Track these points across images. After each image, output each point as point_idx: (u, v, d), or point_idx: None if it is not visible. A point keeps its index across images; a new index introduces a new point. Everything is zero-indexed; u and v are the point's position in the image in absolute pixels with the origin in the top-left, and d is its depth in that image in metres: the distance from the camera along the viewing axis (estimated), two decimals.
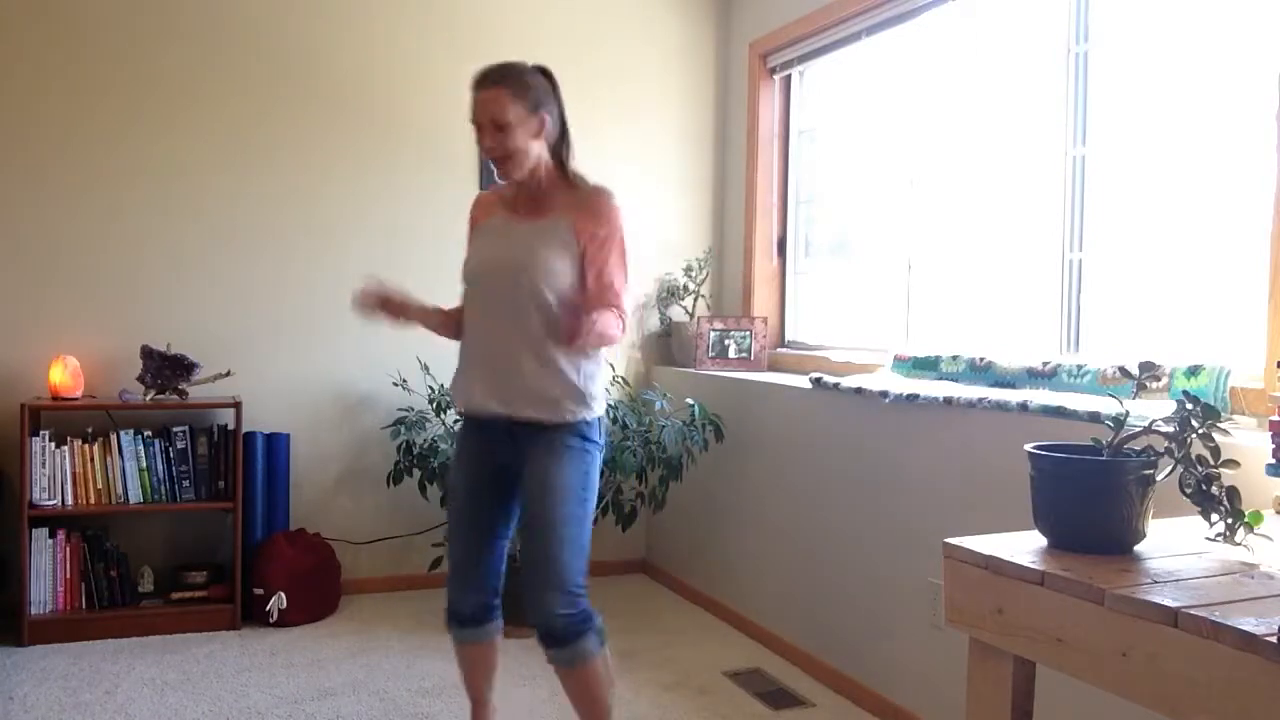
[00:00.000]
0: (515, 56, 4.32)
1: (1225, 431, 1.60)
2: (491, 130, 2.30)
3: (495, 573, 2.54)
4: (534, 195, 2.41)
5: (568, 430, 2.36)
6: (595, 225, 2.34)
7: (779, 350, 4.25)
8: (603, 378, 2.47)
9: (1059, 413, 2.39)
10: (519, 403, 2.34)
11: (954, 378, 3.02)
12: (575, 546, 2.34)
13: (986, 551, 1.60)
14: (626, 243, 2.38)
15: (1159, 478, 1.59)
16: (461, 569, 2.51)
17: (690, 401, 3.81)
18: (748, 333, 4.19)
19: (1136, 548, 1.60)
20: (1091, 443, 1.69)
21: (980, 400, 2.66)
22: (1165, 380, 2.38)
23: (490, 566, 2.53)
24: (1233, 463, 1.62)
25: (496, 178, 2.39)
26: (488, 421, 2.41)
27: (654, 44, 4.54)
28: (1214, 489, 1.63)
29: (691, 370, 4.24)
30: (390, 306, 2.45)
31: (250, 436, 3.82)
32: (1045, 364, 2.76)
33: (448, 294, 4.16)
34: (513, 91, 2.30)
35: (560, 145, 2.42)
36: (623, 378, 4.42)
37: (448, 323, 2.54)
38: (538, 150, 2.36)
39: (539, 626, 2.35)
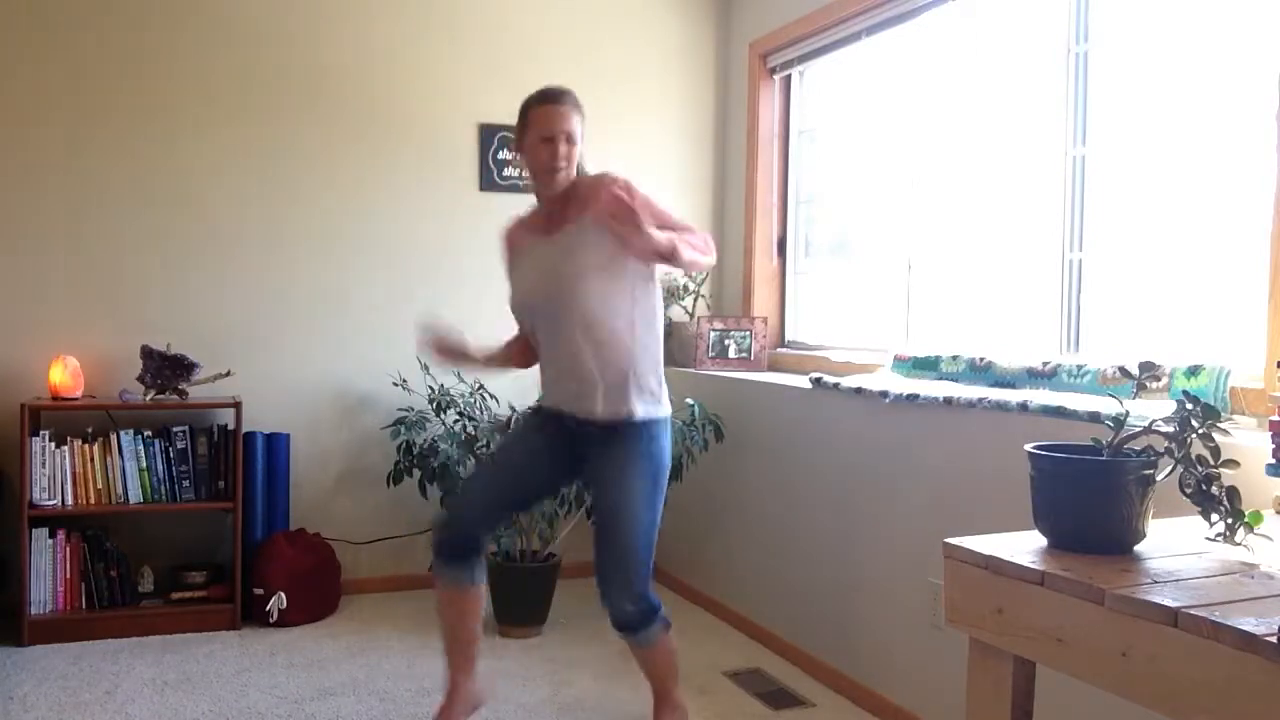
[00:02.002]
0: (516, 57, 4.37)
1: (1225, 431, 1.60)
2: (565, 142, 2.53)
3: (496, 519, 2.69)
4: (558, 207, 2.60)
5: (638, 432, 2.55)
6: (610, 204, 2.48)
7: (779, 350, 4.25)
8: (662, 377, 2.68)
9: (1059, 413, 2.39)
10: (598, 409, 2.53)
11: (954, 378, 3.02)
12: (647, 547, 2.55)
13: (986, 551, 1.60)
14: (651, 196, 2.57)
15: (1159, 478, 1.59)
16: (463, 498, 2.67)
17: (690, 401, 3.81)
18: (748, 333, 4.19)
19: (1136, 548, 1.60)
20: (1091, 443, 1.69)
21: (980, 400, 2.66)
22: (1165, 380, 2.38)
23: (498, 507, 2.67)
24: (1233, 463, 1.62)
25: (536, 191, 2.61)
26: (568, 417, 2.59)
27: (654, 44, 4.54)
28: (1214, 489, 1.63)
29: (691, 370, 4.24)
30: (447, 352, 2.70)
31: (250, 436, 3.81)
32: (1045, 364, 2.76)
33: (448, 292, 4.20)
34: (578, 111, 2.58)
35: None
36: None
37: (510, 355, 2.79)
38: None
39: (612, 618, 2.56)
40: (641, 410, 2.55)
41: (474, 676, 2.73)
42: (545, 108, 2.55)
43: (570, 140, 2.54)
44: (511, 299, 2.68)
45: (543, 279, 2.57)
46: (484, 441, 3.72)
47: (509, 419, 3.76)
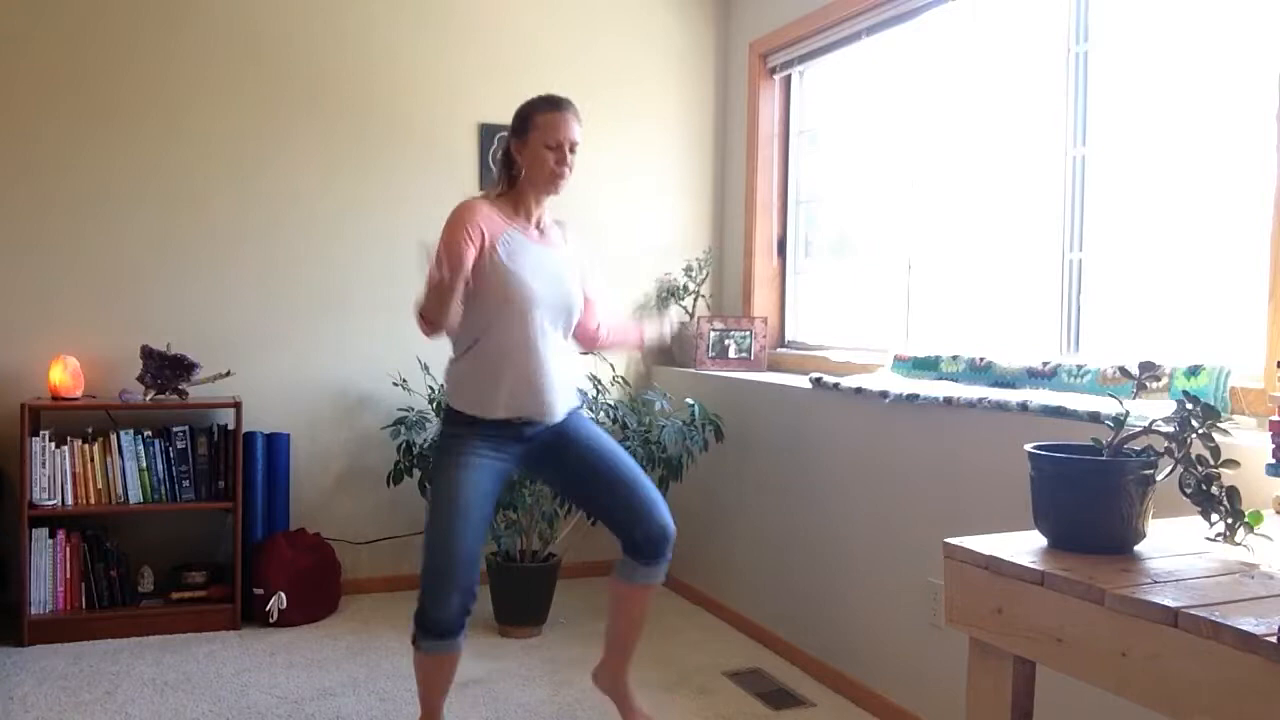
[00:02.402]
0: (516, 57, 4.36)
1: (1225, 431, 1.60)
2: (571, 151, 2.58)
3: (476, 575, 2.56)
4: (534, 214, 2.66)
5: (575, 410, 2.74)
6: (581, 259, 2.74)
7: (779, 350, 4.25)
8: None
9: (1059, 413, 2.39)
10: (558, 410, 2.62)
11: (954, 378, 3.02)
12: None
13: (986, 551, 1.60)
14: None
15: (1159, 478, 1.59)
16: (453, 570, 2.49)
17: (690, 401, 3.81)
18: (748, 333, 4.19)
19: (1136, 548, 1.60)
20: (1091, 443, 1.69)
21: (980, 400, 2.66)
22: (1165, 380, 2.38)
23: (476, 569, 2.56)
24: (1233, 463, 1.62)
25: (549, 191, 2.63)
26: (514, 424, 2.57)
27: (654, 44, 4.54)
28: (1214, 489, 1.63)
29: (691, 370, 4.24)
30: (457, 260, 2.55)
31: (250, 436, 3.81)
32: (1045, 364, 2.76)
33: None
34: (579, 121, 2.62)
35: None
36: (623, 378, 4.42)
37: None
38: None
39: (653, 542, 2.72)
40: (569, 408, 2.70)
41: None
42: (554, 114, 2.56)
43: (574, 150, 2.59)
44: (509, 282, 2.52)
45: (552, 285, 2.60)
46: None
47: None
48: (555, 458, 2.68)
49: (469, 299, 2.51)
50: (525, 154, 2.57)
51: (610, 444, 2.71)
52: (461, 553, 2.49)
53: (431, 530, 2.53)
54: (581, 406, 2.78)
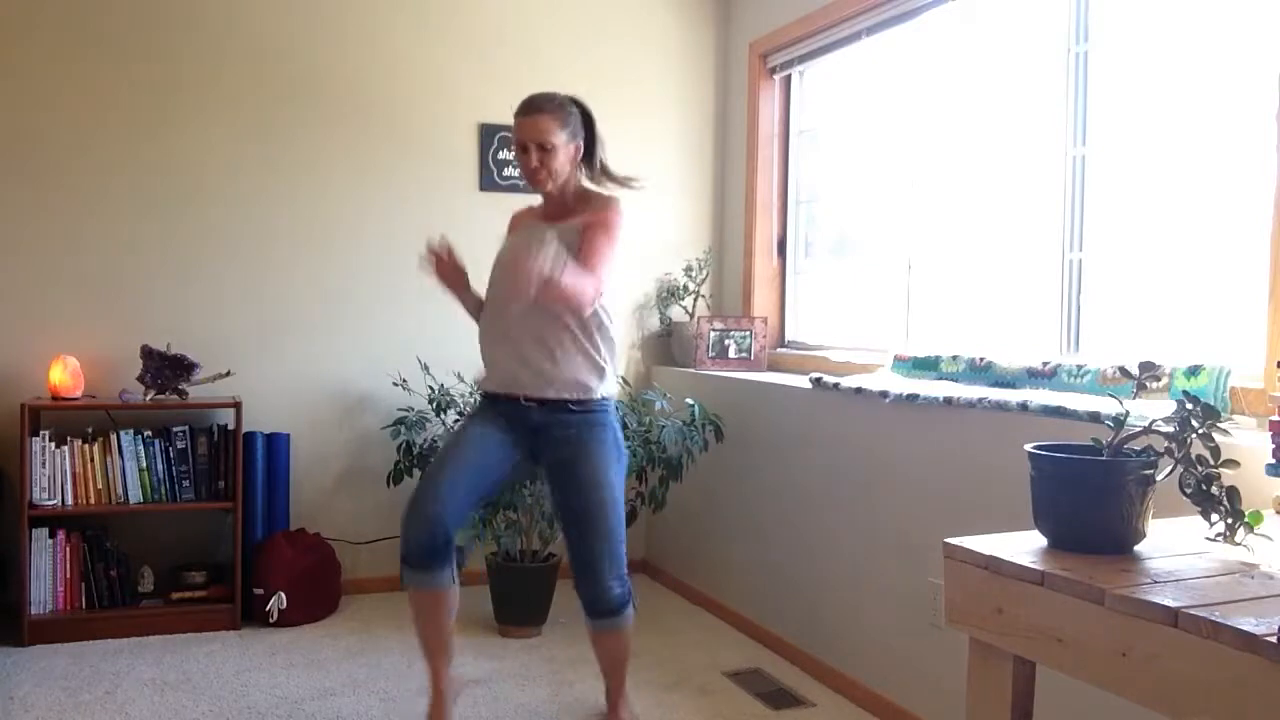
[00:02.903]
0: (516, 57, 4.36)
1: (1225, 431, 1.60)
2: (536, 151, 2.63)
3: (463, 512, 2.65)
4: (560, 207, 2.74)
5: (589, 410, 2.67)
6: (595, 217, 2.66)
7: (779, 350, 4.25)
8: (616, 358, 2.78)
9: (1059, 413, 2.39)
10: (545, 386, 2.64)
11: (954, 378, 3.02)
12: (621, 532, 2.67)
13: (986, 551, 1.60)
14: (619, 234, 2.66)
15: (1159, 478, 1.59)
16: (429, 493, 2.59)
17: (690, 401, 3.81)
18: (748, 333, 4.19)
19: (1136, 548, 1.60)
20: (1091, 443, 1.69)
21: (980, 400, 2.66)
22: (1165, 380, 2.38)
23: (463, 501, 2.63)
24: (1233, 463, 1.62)
25: (535, 189, 2.72)
26: (511, 400, 2.70)
27: (654, 44, 4.54)
28: (1214, 489, 1.63)
29: (691, 370, 4.24)
30: (449, 273, 2.77)
31: (250, 436, 3.81)
32: (1045, 364, 2.76)
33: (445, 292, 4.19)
34: (557, 119, 2.64)
35: (589, 166, 2.77)
36: (623, 378, 4.42)
37: (479, 307, 2.84)
38: (568, 170, 2.70)
39: (583, 601, 2.65)
40: (579, 393, 2.68)
41: (451, 663, 2.79)
42: (521, 119, 2.66)
43: (544, 148, 2.63)
44: (494, 268, 2.79)
45: (520, 253, 2.59)
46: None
47: None
48: (551, 470, 2.72)
49: None
50: (516, 156, 2.74)
51: (589, 492, 2.63)
52: (441, 481, 2.61)
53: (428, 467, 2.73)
54: (600, 416, 2.68)
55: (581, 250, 2.57)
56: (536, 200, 2.85)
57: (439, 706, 2.74)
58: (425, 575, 2.62)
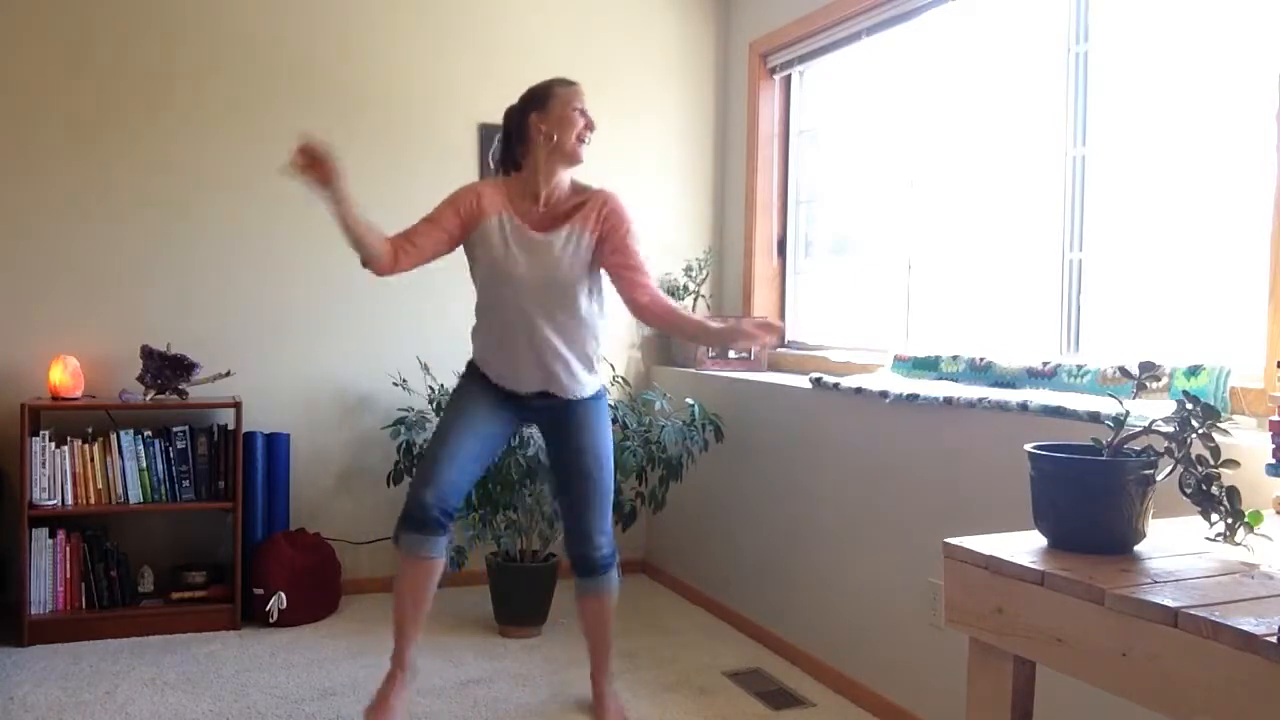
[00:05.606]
0: (515, 56, 4.37)
1: (1225, 431, 1.60)
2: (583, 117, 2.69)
3: (463, 487, 2.73)
4: (550, 201, 2.72)
5: (592, 398, 2.81)
6: (617, 223, 2.71)
7: (779, 350, 4.25)
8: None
9: (1059, 413, 2.39)
10: (561, 385, 2.74)
11: (954, 378, 3.02)
12: (611, 492, 2.82)
13: (986, 551, 1.60)
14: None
15: (1159, 478, 1.59)
16: (439, 463, 2.68)
17: (690, 401, 3.81)
18: None
19: (1136, 548, 1.60)
20: (1091, 443, 1.69)
21: (980, 400, 2.66)
22: (1165, 380, 2.38)
23: (466, 474, 2.72)
24: (1233, 463, 1.62)
25: (572, 158, 2.70)
26: (507, 391, 2.79)
27: (654, 44, 4.54)
28: (1214, 489, 1.63)
29: (691, 370, 4.24)
30: (316, 166, 2.66)
31: (250, 436, 3.81)
32: (1045, 364, 2.76)
33: (447, 292, 4.19)
34: None
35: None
36: (623, 378, 4.42)
37: (377, 243, 2.71)
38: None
39: (574, 561, 2.77)
40: (576, 390, 2.79)
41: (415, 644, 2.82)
42: (575, 86, 2.70)
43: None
44: (494, 268, 2.73)
45: (540, 270, 2.70)
46: None
47: None
48: (551, 439, 2.84)
49: (472, 267, 2.80)
50: (550, 120, 2.66)
51: (590, 456, 2.77)
52: (449, 448, 2.69)
53: (434, 433, 2.80)
54: (597, 396, 2.83)
55: (632, 266, 2.71)
56: (490, 179, 2.87)
57: (397, 682, 2.76)
58: (421, 538, 2.67)
